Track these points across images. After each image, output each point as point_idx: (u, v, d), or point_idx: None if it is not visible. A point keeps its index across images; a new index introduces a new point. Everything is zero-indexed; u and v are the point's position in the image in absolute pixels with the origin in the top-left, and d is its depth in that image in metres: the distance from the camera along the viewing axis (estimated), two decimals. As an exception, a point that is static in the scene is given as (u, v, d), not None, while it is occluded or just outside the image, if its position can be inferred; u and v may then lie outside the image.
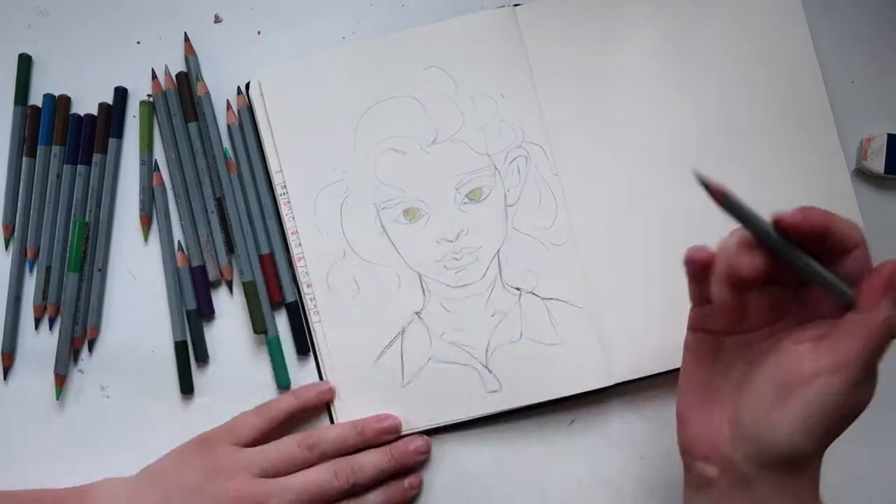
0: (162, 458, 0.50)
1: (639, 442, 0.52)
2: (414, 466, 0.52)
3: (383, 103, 0.53)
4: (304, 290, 0.52)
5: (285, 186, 0.53)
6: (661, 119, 0.53)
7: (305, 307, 0.53)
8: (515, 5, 0.54)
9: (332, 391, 0.52)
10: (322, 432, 0.50)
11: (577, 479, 0.52)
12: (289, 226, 0.52)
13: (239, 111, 0.54)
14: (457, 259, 0.52)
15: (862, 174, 0.54)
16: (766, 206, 0.52)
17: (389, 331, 0.52)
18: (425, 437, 0.52)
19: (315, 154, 0.53)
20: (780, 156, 0.53)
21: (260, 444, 0.50)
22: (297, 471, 0.49)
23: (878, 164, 0.53)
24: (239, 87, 0.54)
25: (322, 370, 0.52)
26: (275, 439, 0.50)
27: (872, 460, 0.53)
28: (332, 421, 0.52)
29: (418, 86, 0.52)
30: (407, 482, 0.51)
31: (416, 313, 0.52)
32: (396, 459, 0.51)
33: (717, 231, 0.52)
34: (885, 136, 0.53)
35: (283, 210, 0.52)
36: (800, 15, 0.53)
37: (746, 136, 0.53)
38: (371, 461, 0.50)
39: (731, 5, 0.53)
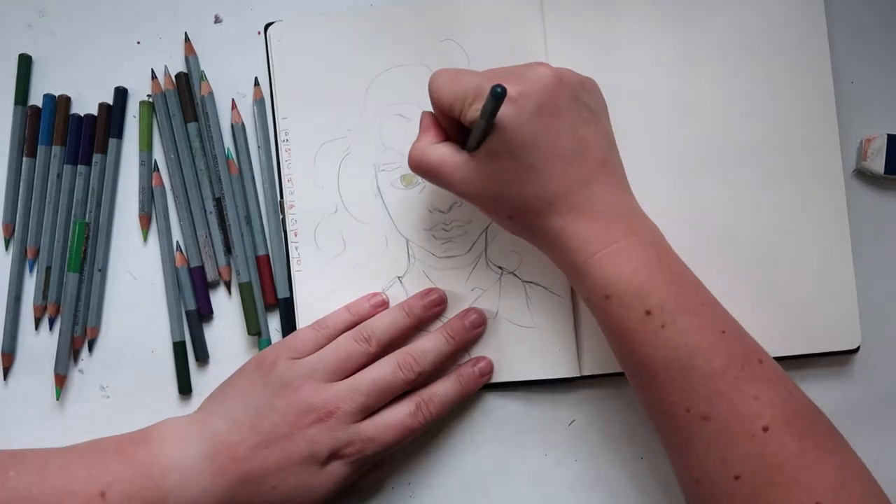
0: (219, 388, 0.49)
1: (639, 442, 0.52)
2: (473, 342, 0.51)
3: (396, 69, 0.53)
4: (291, 238, 0.52)
5: (287, 133, 0.53)
6: (662, 110, 0.52)
7: (289, 256, 0.53)
8: None
9: (384, 302, 0.52)
10: (373, 322, 0.50)
11: (577, 478, 0.52)
12: (285, 173, 0.53)
13: (254, 102, 0.54)
14: (446, 230, 0.53)
15: (862, 174, 0.54)
16: (769, 207, 0.52)
17: (369, 291, 0.52)
18: (480, 309, 0.51)
19: (323, 107, 0.53)
20: (781, 158, 0.52)
21: None
22: (360, 368, 0.48)
23: (878, 164, 0.53)
24: (261, 32, 0.54)
25: (297, 322, 0.52)
26: None
27: (872, 460, 0.53)
28: None
29: (432, 56, 0.53)
30: (477, 369, 0.51)
31: (399, 277, 0.52)
32: (453, 337, 0.50)
33: (717, 233, 0.52)
34: (885, 136, 0.53)
35: (283, 156, 0.53)
36: (820, 16, 0.52)
37: (747, 138, 0.52)
38: (430, 345, 0.50)
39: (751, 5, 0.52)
